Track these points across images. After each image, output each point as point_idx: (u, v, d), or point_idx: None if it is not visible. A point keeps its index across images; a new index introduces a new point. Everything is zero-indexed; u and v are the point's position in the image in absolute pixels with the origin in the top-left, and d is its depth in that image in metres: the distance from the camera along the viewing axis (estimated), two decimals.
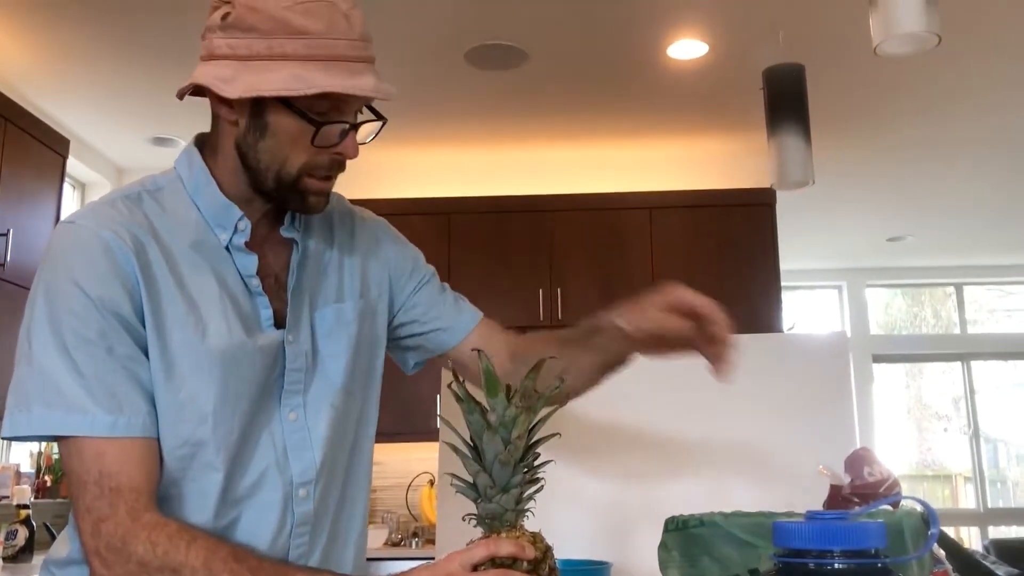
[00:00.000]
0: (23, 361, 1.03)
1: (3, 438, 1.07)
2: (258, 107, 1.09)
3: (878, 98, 4.23)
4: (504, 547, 0.97)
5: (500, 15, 3.50)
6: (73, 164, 4.42)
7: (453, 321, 1.37)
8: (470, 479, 1.02)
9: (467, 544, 1.00)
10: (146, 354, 1.06)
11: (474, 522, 1.03)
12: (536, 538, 1.01)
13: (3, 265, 3.43)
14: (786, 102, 3.27)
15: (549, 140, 4.83)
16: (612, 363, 1.29)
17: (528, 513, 1.04)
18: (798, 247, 6.04)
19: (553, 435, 1.05)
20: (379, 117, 1.18)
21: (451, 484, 1.03)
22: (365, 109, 1.16)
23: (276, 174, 1.11)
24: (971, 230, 6.20)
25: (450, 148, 4.91)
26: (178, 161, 1.18)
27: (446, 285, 1.42)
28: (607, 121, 4.58)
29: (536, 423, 1.03)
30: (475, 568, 0.97)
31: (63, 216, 3.87)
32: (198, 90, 1.12)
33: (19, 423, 1.02)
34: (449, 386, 1.06)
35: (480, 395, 1.02)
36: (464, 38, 3.70)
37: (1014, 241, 6.43)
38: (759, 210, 4.65)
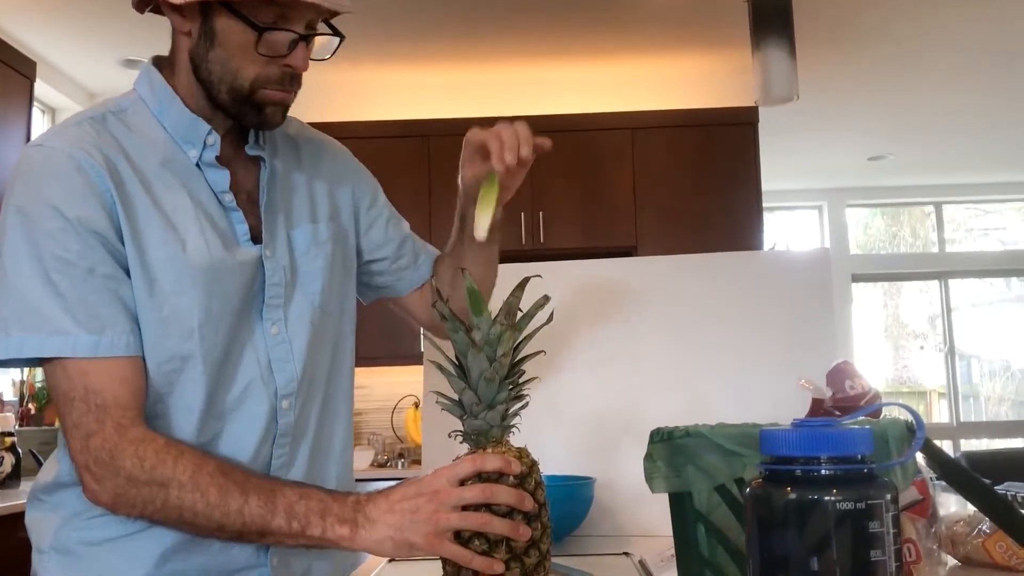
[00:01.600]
0: (3, 283, 1.02)
1: None
2: (207, 15, 1.07)
3: (862, 14, 4.17)
4: (490, 462, 0.98)
5: None
6: (42, 88, 4.32)
7: (419, 260, 1.40)
8: (456, 397, 1.03)
9: (453, 460, 1.01)
10: (127, 272, 1.05)
11: (460, 439, 1.04)
12: (522, 453, 1.02)
13: None
14: (771, 15, 3.22)
15: (527, 59, 4.74)
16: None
17: (513, 429, 1.05)
18: (779, 167, 6.01)
19: (538, 353, 1.05)
20: (336, 33, 1.16)
21: (436, 402, 1.04)
22: (324, 26, 1.14)
23: (229, 87, 1.09)
24: (951, 148, 6.19)
25: (426, 68, 4.81)
26: (138, 82, 1.16)
27: (406, 224, 1.43)
28: (587, 39, 4.49)
29: (521, 341, 1.03)
30: (461, 483, 0.98)
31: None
32: (155, 6, 1.11)
33: None
34: (434, 305, 1.06)
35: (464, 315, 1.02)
36: None
37: (993, 158, 6.43)
38: (741, 129, 4.62)
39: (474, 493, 0.96)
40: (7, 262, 1.02)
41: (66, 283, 1.00)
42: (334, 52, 1.16)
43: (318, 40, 1.14)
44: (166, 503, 0.99)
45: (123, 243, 1.04)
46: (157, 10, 1.13)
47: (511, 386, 1.02)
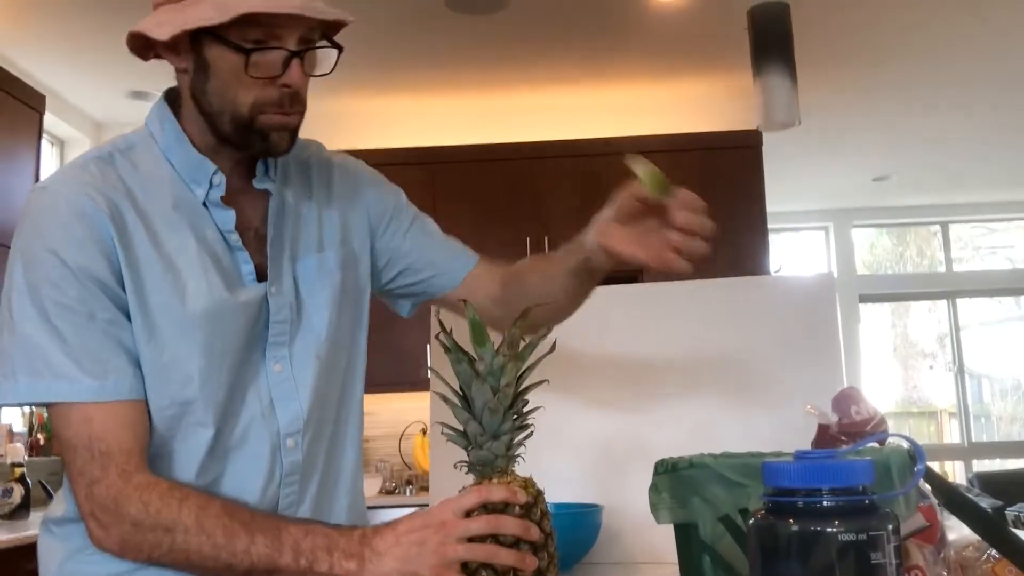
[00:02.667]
0: (4, 331, 1.03)
1: None
2: (198, 48, 1.07)
3: (863, 37, 4.20)
4: (496, 493, 0.98)
5: None
6: (51, 120, 4.36)
7: (448, 265, 1.35)
8: (460, 427, 1.03)
9: (459, 491, 1.01)
10: (128, 316, 1.05)
11: (465, 469, 1.04)
12: (527, 483, 1.02)
13: None
14: (771, 42, 3.24)
15: (531, 86, 4.77)
16: (591, 277, 1.28)
17: (518, 459, 1.05)
18: (784, 189, 6.03)
19: (541, 382, 1.05)
20: (334, 45, 1.13)
21: (442, 432, 1.04)
22: (322, 39, 1.12)
23: (230, 116, 1.08)
24: (956, 168, 6.19)
25: (431, 96, 4.85)
26: (149, 118, 1.16)
27: (432, 223, 1.39)
28: (590, 66, 4.53)
29: (524, 370, 1.03)
30: (467, 514, 0.98)
31: (43, 172, 3.83)
32: (141, 43, 1.10)
33: (5, 392, 1.03)
34: (437, 336, 1.06)
35: (468, 345, 1.03)
36: None
37: (999, 176, 6.43)
38: (745, 152, 4.63)
39: (480, 524, 0.96)
40: (14, 307, 1.03)
41: (68, 329, 1.01)
42: (335, 65, 1.13)
43: (318, 55, 1.12)
44: (173, 547, 1.00)
45: (124, 289, 1.05)
46: (147, 46, 1.12)
47: (515, 416, 1.02)
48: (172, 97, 1.16)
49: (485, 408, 1.00)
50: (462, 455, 1.06)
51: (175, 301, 1.06)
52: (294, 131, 1.12)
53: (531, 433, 1.04)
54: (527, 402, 1.04)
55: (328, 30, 1.14)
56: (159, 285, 1.06)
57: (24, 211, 1.06)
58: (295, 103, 1.10)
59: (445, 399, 1.04)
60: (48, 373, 1.01)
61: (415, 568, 0.96)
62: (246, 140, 1.10)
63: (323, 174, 1.28)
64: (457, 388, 1.03)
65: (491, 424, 1.01)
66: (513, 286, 1.33)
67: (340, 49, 1.14)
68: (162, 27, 1.05)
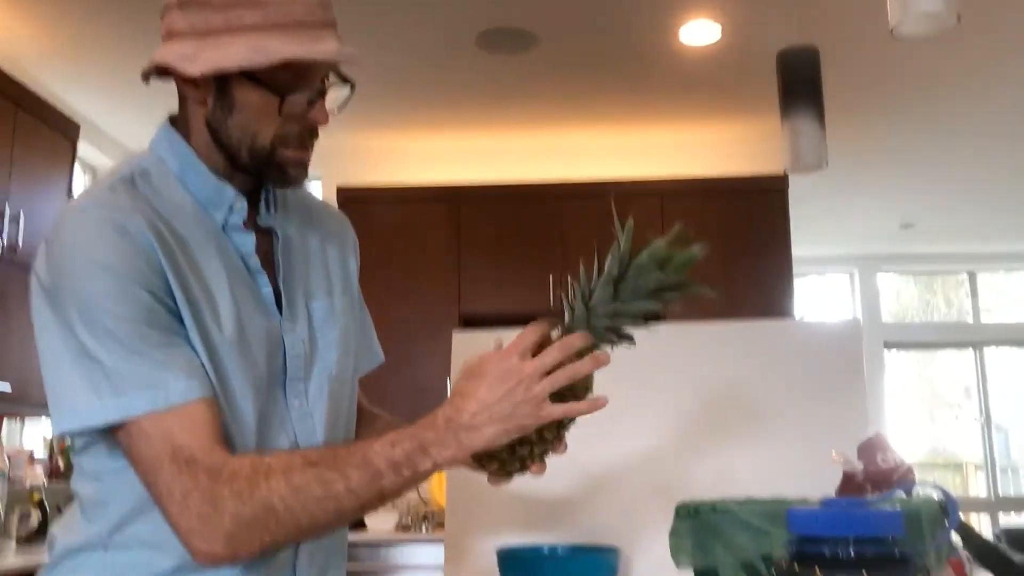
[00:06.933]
0: (72, 355, 1.00)
1: (62, 433, 1.03)
2: (222, 83, 1.07)
3: (893, 82, 4.19)
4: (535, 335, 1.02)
5: None
6: (84, 148, 4.43)
7: (364, 355, 1.34)
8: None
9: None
10: (181, 322, 1.04)
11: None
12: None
13: (16, 249, 3.44)
14: (800, 85, 3.24)
15: (559, 125, 4.80)
16: None
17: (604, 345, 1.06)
18: (810, 233, 6.00)
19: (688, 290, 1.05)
20: (346, 81, 1.15)
21: (560, 295, 1.09)
22: (334, 75, 1.14)
23: (249, 149, 1.09)
24: (985, 216, 6.14)
25: (459, 133, 4.88)
26: (156, 143, 1.15)
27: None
28: (618, 106, 4.55)
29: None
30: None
31: None
32: (162, 71, 1.11)
33: (85, 413, 0.99)
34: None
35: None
36: (475, 21, 3.68)
37: None
38: (771, 196, 4.62)
39: (553, 355, 1.00)
40: (78, 331, 0.99)
41: (134, 339, 0.99)
42: (347, 102, 1.15)
43: (331, 92, 1.13)
44: (280, 523, 0.99)
45: (174, 301, 1.03)
46: (162, 75, 1.12)
47: (620, 313, 1.03)
48: (175, 123, 1.15)
49: (605, 283, 1.02)
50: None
51: (213, 323, 1.06)
52: (307, 165, 1.14)
53: (632, 341, 1.06)
54: (635, 322, 1.05)
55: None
56: (201, 307, 1.05)
57: (59, 233, 1.04)
58: (313, 137, 1.12)
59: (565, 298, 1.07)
60: (128, 387, 0.99)
61: (517, 423, 0.99)
62: (263, 171, 1.11)
63: (322, 218, 1.29)
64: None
65: (603, 296, 1.03)
66: (362, 423, 1.32)
67: (353, 85, 1.15)
68: (192, 63, 1.05)
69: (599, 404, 1.02)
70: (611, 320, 1.04)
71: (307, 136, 1.11)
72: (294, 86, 1.07)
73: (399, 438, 1.01)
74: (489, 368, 1.01)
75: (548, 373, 1.00)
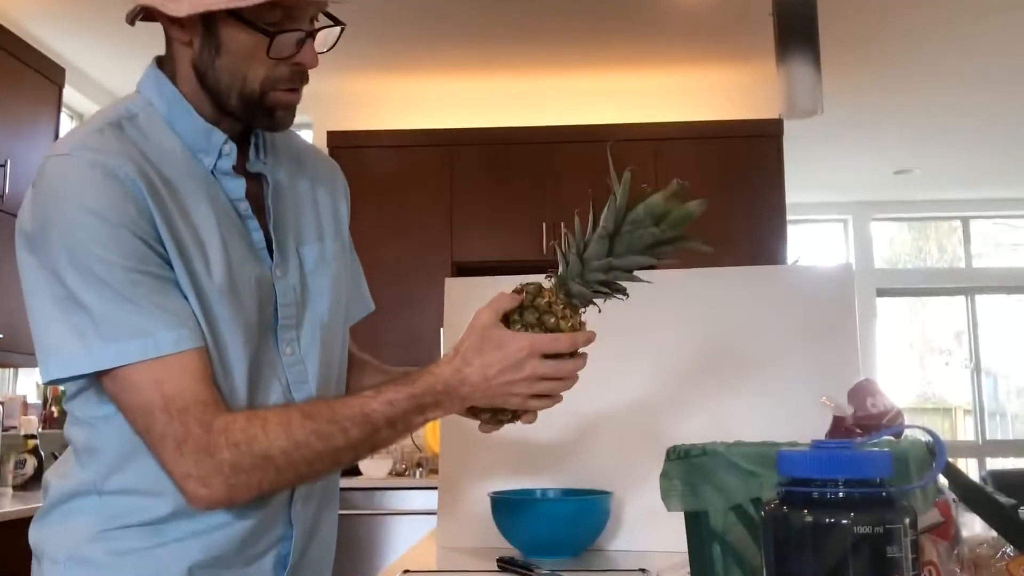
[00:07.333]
0: (59, 302, 0.99)
1: (50, 381, 1.04)
2: (209, 24, 1.05)
3: (888, 28, 4.15)
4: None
5: None
6: (70, 94, 4.36)
7: (356, 302, 1.34)
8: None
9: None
10: (172, 268, 1.03)
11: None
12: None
13: (1, 196, 3.41)
14: (796, 28, 3.20)
15: (554, 69, 4.74)
16: None
17: (593, 305, 1.09)
18: (804, 180, 5.98)
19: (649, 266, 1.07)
20: (337, 23, 1.13)
21: (553, 243, 1.12)
22: (323, 17, 1.12)
23: (239, 92, 1.07)
24: (979, 163, 6.13)
25: (452, 77, 4.83)
26: (143, 86, 1.13)
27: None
28: (613, 50, 4.50)
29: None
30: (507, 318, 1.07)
31: None
32: (148, 14, 1.09)
33: (73, 361, 0.99)
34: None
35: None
36: None
37: (1022, 174, 6.36)
38: (766, 141, 4.59)
39: (567, 370, 1.08)
40: (65, 277, 0.98)
41: (127, 287, 0.98)
42: (335, 43, 1.13)
43: (319, 33, 1.11)
44: (278, 472, 1.01)
45: (164, 247, 1.02)
46: (148, 18, 1.10)
47: (613, 269, 1.05)
48: (162, 65, 1.13)
49: (597, 238, 1.04)
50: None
51: (203, 270, 1.05)
52: (295, 108, 1.13)
53: (626, 293, 1.09)
54: (628, 276, 1.07)
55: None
56: (191, 253, 1.04)
57: (46, 178, 1.02)
58: (303, 80, 1.11)
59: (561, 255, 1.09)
60: (121, 334, 0.98)
61: (503, 402, 1.08)
62: (251, 115, 1.10)
63: (312, 163, 1.28)
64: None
65: (598, 250, 1.04)
66: (352, 370, 1.32)
67: (343, 26, 1.13)
68: (177, 3, 1.03)
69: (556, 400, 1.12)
70: (605, 274, 1.05)
71: (297, 79, 1.09)
72: (282, 26, 1.05)
73: (397, 397, 1.05)
74: (506, 347, 1.05)
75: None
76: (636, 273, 1.08)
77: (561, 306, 1.08)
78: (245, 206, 1.12)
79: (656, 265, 1.08)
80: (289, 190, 1.20)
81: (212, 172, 1.11)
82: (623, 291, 1.08)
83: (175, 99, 1.10)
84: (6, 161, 3.44)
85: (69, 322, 0.99)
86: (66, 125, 4.55)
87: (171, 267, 1.03)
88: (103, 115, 1.09)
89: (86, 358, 0.99)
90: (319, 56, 1.10)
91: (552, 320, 1.06)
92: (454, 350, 1.08)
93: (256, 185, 1.16)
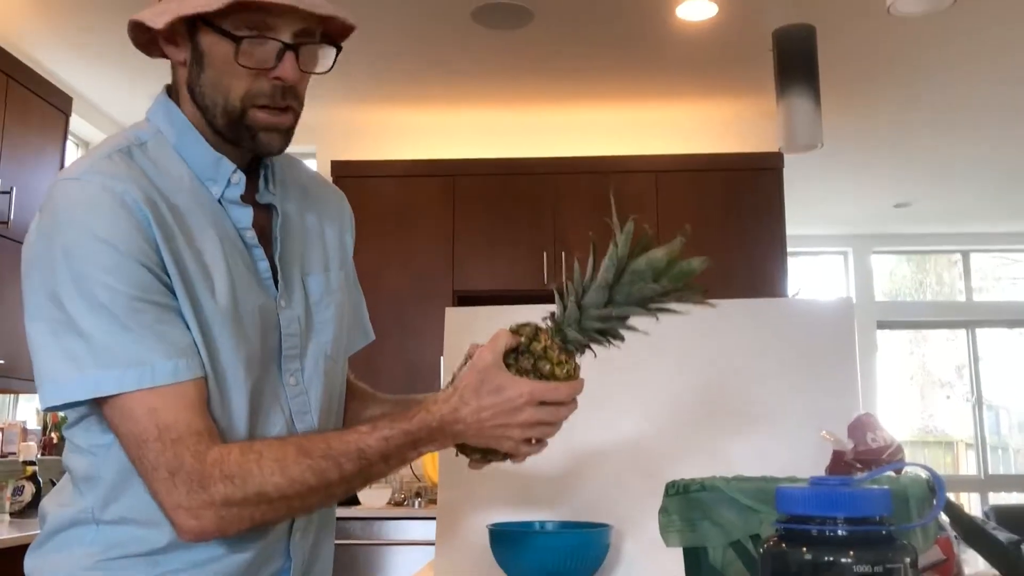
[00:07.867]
0: (58, 328, 0.99)
1: (48, 408, 1.03)
2: (195, 39, 1.07)
3: (889, 61, 4.18)
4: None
5: None
6: (77, 122, 4.39)
7: (356, 332, 1.34)
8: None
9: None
10: (175, 296, 1.03)
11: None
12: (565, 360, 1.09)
13: (7, 223, 3.42)
14: (796, 63, 3.23)
15: (555, 101, 4.78)
16: None
17: (588, 350, 1.09)
18: (804, 213, 6.00)
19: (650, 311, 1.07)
20: (332, 43, 1.12)
21: (555, 289, 1.10)
22: (323, 40, 1.11)
23: (223, 109, 1.07)
24: (979, 197, 6.14)
25: (455, 109, 4.86)
26: (153, 113, 1.14)
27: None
28: (613, 83, 4.53)
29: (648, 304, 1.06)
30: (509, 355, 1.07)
31: None
32: (149, 47, 1.11)
33: (69, 388, 0.99)
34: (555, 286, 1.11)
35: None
36: None
37: (1021, 208, 6.38)
38: (766, 174, 4.60)
39: (561, 415, 1.08)
40: (66, 302, 0.98)
41: (129, 315, 0.98)
42: (332, 65, 1.12)
43: (319, 56, 1.10)
44: (271, 506, 1.00)
45: (168, 274, 1.02)
46: (150, 50, 1.12)
47: (611, 318, 1.05)
48: (170, 93, 1.14)
49: (598, 287, 1.03)
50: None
51: (207, 297, 1.05)
52: (286, 132, 1.11)
53: (622, 339, 1.09)
54: (625, 325, 1.07)
55: (331, 31, 1.13)
56: (195, 280, 1.04)
57: (54, 203, 1.02)
58: (287, 97, 1.08)
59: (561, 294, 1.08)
60: (118, 363, 0.97)
61: (494, 444, 1.08)
62: (237, 135, 1.09)
63: (320, 194, 1.28)
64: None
65: (596, 298, 1.04)
66: (350, 400, 1.32)
67: (339, 48, 1.13)
68: (159, 17, 1.05)
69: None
70: (602, 323, 1.04)
71: (279, 96, 1.07)
72: (256, 35, 1.04)
73: (392, 434, 1.04)
74: (505, 391, 1.04)
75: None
76: (633, 320, 1.08)
77: (556, 351, 1.07)
78: (251, 235, 1.13)
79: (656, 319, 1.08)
80: (297, 220, 1.20)
81: (220, 200, 1.11)
82: (620, 338, 1.08)
83: (184, 127, 1.11)
84: (11, 188, 3.46)
85: (66, 348, 0.99)
86: (72, 153, 4.57)
87: (174, 295, 1.03)
88: (113, 142, 1.10)
89: (80, 385, 0.98)
90: (323, 80, 1.10)
91: (548, 367, 1.06)
92: (452, 388, 1.07)
93: (264, 215, 1.16)
